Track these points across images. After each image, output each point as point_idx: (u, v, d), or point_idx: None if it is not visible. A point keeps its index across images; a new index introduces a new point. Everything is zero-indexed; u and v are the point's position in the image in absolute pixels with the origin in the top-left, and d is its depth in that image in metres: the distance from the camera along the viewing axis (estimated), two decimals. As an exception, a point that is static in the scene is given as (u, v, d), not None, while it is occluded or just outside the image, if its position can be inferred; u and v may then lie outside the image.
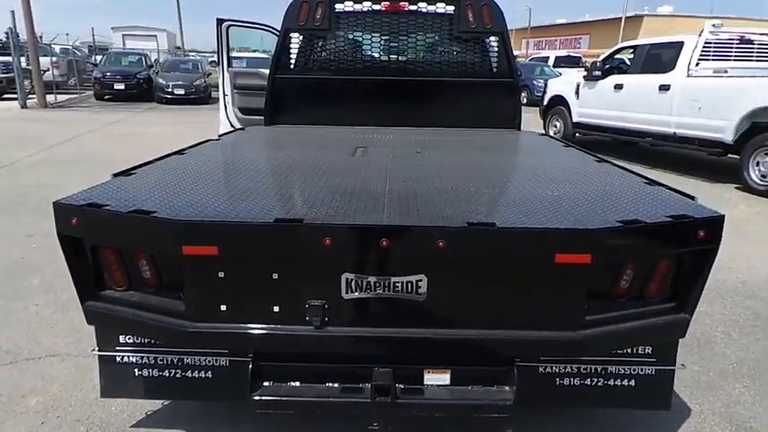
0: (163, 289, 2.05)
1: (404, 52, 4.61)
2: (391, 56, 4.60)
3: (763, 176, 7.38)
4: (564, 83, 11.54)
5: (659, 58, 9.01)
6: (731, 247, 4.06)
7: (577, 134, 11.10)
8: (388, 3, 4.43)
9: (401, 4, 4.43)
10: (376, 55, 4.64)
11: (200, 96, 19.15)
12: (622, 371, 2.16)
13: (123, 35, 48.70)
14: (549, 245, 1.82)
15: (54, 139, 10.83)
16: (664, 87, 8.59)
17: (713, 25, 8.39)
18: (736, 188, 7.77)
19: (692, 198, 2.23)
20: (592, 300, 1.94)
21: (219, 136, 4.01)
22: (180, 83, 19.06)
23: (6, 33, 16.61)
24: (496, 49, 4.58)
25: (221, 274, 1.89)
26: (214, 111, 6.26)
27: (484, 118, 4.57)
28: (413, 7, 4.45)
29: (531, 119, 10.92)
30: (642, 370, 2.16)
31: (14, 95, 16.86)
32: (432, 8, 4.45)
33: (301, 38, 4.59)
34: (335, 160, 2.97)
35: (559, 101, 11.31)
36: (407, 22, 4.52)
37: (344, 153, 3.22)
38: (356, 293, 1.89)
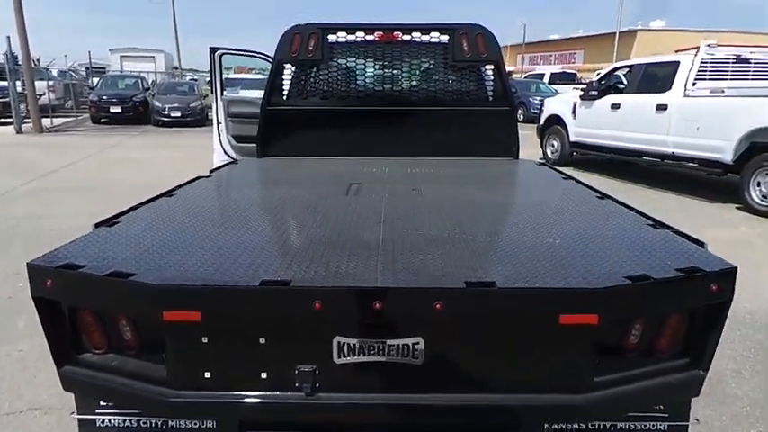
0: (144, 351, 1.93)
1: (398, 82, 4.54)
2: (385, 86, 4.52)
3: (764, 197, 7.30)
4: (561, 102, 11.52)
5: (656, 78, 8.99)
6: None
7: (575, 153, 11.07)
8: (381, 33, 4.37)
9: (394, 34, 4.37)
10: (370, 85, 4.57)
11: (197, 119, 19.16)
12: (632, 427, 2.04)
13: (121, 56, 48.98)
14: (554, 305, 1.71)
15: (49, 165, 10.75)
16: (661, 107, 8.55)
17: (708, 45, 8.37)
18: (737, 208, 7.68)
19: (702, 244, 2.13)
20: (599, 358, 1.83)
21: (211, 171, 3.92)
22: (176, 105, 19.07)
23: (4, 56, 16.59)
24: (492, 77, 4.51)
25: (205, 340, 1.77)
26: (210, 134, 6.21)
27: (481, 147, 4.48)
28: (406, 37, 4.39)
29: (528, 136, 10.88)
30: (654, 426, 2.04)
31: (10, 120, 16.84)
32: (426, 38, 4.39)
33: (294, 69, 4.52)
34: (328, 202, 2.86)
35: (556, 120, 11.29)
36: (401, 52, 4.45)
37: (338, 192, 3.12)
38: (348, 358, 1.78)
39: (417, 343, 1.76)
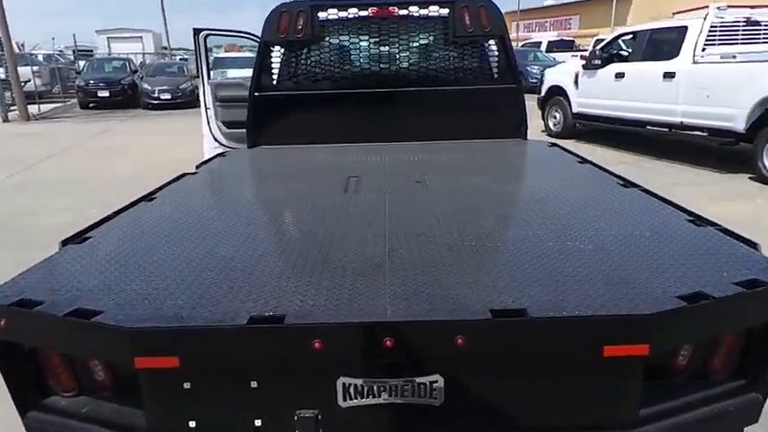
0: (120, 393, 1.68)
1: (396, 61, 4.22)
2: (382, 66, 4.20)
3: (779, 166, 7.03)
4: (562, 72, 11.13)
5: (662, 45, 8.62)
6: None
7: (578, 125, 10.73)
8: (375, 8, 4.02)
9: (390, 9, 4.02)
10: (366, 65, 4.24)
11: (188, 100, 18.65)
12: None
13: (108, 38, 47.77)
14: (597, 336, 1.45)
15: (35, 156, 10.40)
16: (668, 75, 8.19)
17: (718, 7, 7.98)
18: (750, 178, 7.40)
19: (755, 245, 1.86)
20: (644, 387, 1.57)
21: (197, 166, 3.63)
22: (165, 87, 18.57)
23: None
24: (497, 52, 4.19)
25: (187, 386, 1.52)
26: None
27: (487, 128, 4.19)
28: (403, 12, 4.04)
29: (529, 108, 10.49)
30: None
31: (-4, 109, 16.39)
32: (424, 12, 4.05)
33: (283, 51, 4.19)
34: (325, 203, 2.58)
35: (558, 91, 10.92)
36: (398, 29, 4.12)
37: (335, 188, 2.84)
38: (356, 400, 1.52)
39: (436, 381, 1.51)
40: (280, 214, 2.49)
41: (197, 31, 5.94)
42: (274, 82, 4.22)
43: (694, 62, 7.90)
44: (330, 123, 4.22)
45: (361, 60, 4.27)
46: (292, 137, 4.20)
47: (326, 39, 4.15)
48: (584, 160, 3.38)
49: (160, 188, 2.95)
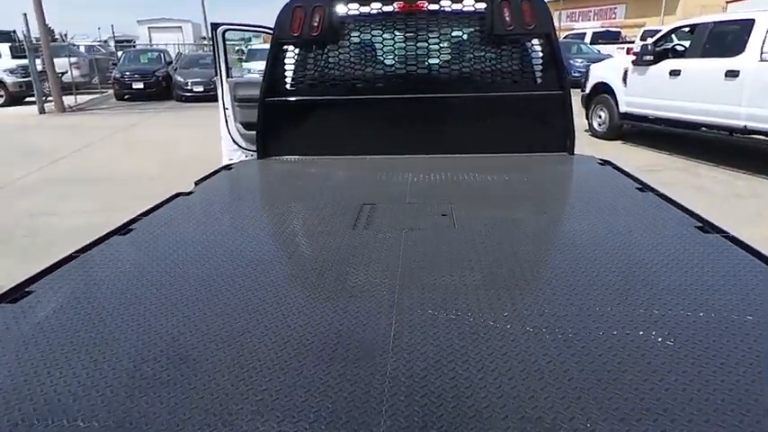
0: None
1: (424, 63, 3.71)
2: (408, 69, 3.70)
3: None
4: (609, 68, 10.35)
5: (724, 40, 7.82)
6: None
7: (624, 125, 9.97)
8: (402, 3, 3.52)
9: (419, 3, 3.52)
10: (389, 68, 3.76)
11: (220, 93, 18.45)
12: None
13: (149, 28, 48.48)
14: None
15: (62, 150, 10.30)
16: (731, 74, 7.41)
17: (792, -2, 7.15)
18: (828, 192, 6.61)
19: None
20: None
21: (196, 183, 3.23)
22: (198, 80, 18.42)
23: (23, 34, 16.17)
24: (541, 54, 3.64)
25: None
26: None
27: (527, 140, 3.66)
28: (433, 7, 3.53)
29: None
30: None
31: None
32: (458, 6, 3.53)
33: (297, 51, 3.74)
34: (326, 248, 2.12)
35: (603, 88, 10.16)
36: (427, 26, 3.61)
37: (343, 223, 2.37)
38: None
39: None
40: (269, 266, 2.03)
41: (215, 26, 5.56)
42: (287, 86, 3.78)
43: (762, 59, 7.10)
44: (348, 133, 3.76)
45: (385, 63, 3.78)
46: (306, 147, 3.76)
47: (345, 38, 3.68)
48: (644, 186, 2.82)
49: (145, 213, 2.56)
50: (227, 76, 5.81)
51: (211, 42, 5.57)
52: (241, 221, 2.48)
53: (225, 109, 5.68)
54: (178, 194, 2.95)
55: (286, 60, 3.74)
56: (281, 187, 3.13)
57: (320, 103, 3.78)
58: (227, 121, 5.57)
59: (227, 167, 3.61)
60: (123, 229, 2.32)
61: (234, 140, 5.47)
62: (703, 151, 8.56)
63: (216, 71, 5.88)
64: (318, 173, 3.34)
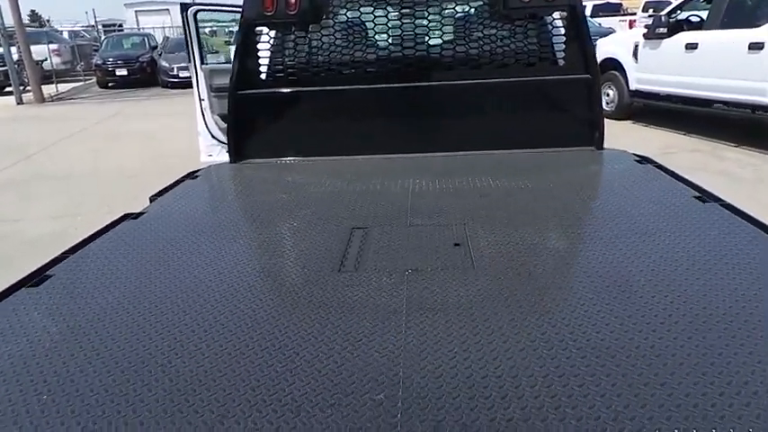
0: None
1: (424, 45, 3.12)
2: (405, 52, 3.10)
3: None
4: (618, 43, 9.70)
5: (747, 9, 7.19)
6: None
7: (635, 104, 9.35)
8: (396, -29, 2.92)
9: (417, -28, 2.92)
10: (383, 52, 3.17)
11: (208, 77, 17.71)
12: None
13: (136, 11, 47.17)
14: None
15: (37, 144, 9.66)
16: (755, 46, 6.78)
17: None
18: None
19: None
20: None
21: (151, 198, 2.65)
22: (184, 64, 17.59)
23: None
24: (564, 31, 3.05)
25: None
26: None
27: (549, 134, 3.09)
28: (435, -24, 2.93)
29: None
30: None
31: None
32: (464, -25, 2.93)
33: (272, 33, 3.14)
34: (298, 304, 1.55)
35: (612, 65, 9.50)
36: (428, 0, 3.01)
37: (325, 260, 1.81)
38: None
39: None
40: (224, 331, 1.46)
41: (184, 7, 4.97)
42: (262, 75, 3.19)
43: (790, 30, 6.49)
44: (336, 129, 3.19)
45: (378, 45, 3.19)
46: (287, 148, 3.19)
47: (330, 16, 3.08)
48: (703, 193, 2.26)
49: (78, 246, 2.01)
50: (202, 63, 5.21)
51: (183, 24, 4.96)
52: (196, 256, 1.89)
53: (201, 100, 5.10)
54: (126, 216, 2.39)
55: (259, 45, 3.14)
56: (253, 206, 2.54)
57: (302, 96, 3.20)
58: (203, 114, 5.00)
59: (193, 175, 3.03)
60: (30, 280, 1.75)
61: (212, 135, 4.90)
62: (720, 130, 7.95)
63: (189, 57, 5.28)
64: (300, 182, 2.77)
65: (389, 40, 3.15)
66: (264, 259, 1.85)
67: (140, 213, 2.41)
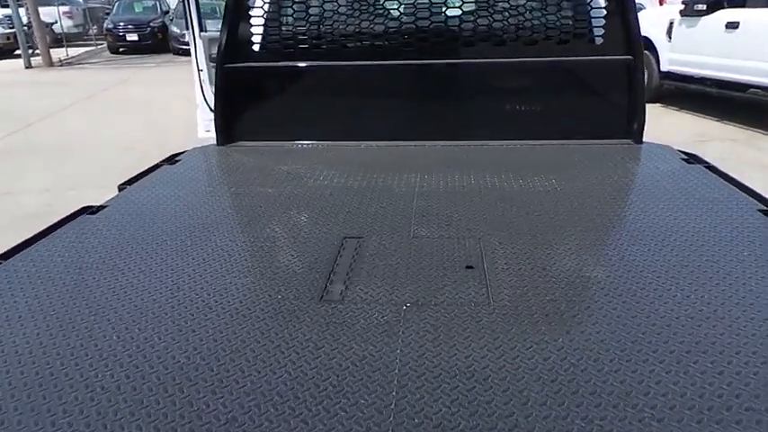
0: None
1: (439, 16, 2.70)
2: (419, 24, 2.69)
3: None
4: (649, 20, 9.05)
5: (798, -15, 6.58)
6: None
7: (665, 86, 8.77)
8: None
9: (434, -72, 2.49)
10: (393, 24, 2.76)
11: (220, 45, 17.25)
12: None
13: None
14: None
15: (39, 111, 9.37)
16: (805, 27, 6.23)
17: None
18: None
19: None
20: None
21: (120, 186, 2.31)
22: (196, 31, 17.17)
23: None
24: (604, 5, 2.62)
25: None
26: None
27: (580, 123, 2.70)
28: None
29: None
30: None
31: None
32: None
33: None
34: (278, 347, 1.21)
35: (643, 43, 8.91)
36: None
37: (305, 286, 1.46)
38: None
39: None
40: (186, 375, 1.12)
41: (181, -32, 4.56)
42: (255, 47, 2.80)
43: None
44: (336, 111, 2.82)
45: (389, 15, 2.79)
46: (282, 131, 2.83)
47: None
48: (754, 195, 1.87)
49: (22, 246, 1.70)
50: (201, 30, 4.85)
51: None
52: (155, 275, 1.55)
53: (199, 71, 4.75)
54: (85, 209, 2.05)
55: (252, 12, 2.75)
56: (232, 203, 2.19)
57: (300, 71, 2.82)
58: (201, 86, 4.65)
59: (172, 159, 2.68)
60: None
61: (211, 108, 4.54)
62: (758, 117, 7.40)
63: (186, 24, 4.91)
64: (291, 172, 2.41)
65: (401, 10, 2.74)
66: (228, 278, 1.50)
67: (101, 207, 2.07)
